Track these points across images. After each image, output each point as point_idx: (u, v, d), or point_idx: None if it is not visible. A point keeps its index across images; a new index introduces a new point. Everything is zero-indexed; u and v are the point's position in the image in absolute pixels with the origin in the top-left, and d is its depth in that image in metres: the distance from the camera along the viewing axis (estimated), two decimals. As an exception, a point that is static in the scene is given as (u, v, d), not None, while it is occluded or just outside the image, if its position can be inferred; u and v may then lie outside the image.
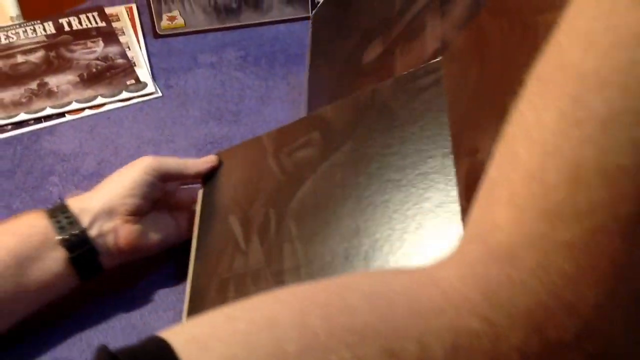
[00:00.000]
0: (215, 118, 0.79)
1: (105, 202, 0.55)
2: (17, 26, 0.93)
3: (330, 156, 0.52)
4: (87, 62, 0.87)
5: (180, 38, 0.91)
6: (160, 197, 0.59)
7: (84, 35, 0.92)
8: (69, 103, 0.81)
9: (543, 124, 0.27)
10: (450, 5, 0.52)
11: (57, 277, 0.54)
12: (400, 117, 0.49)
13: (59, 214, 0.55)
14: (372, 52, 0.61)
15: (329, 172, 0.51)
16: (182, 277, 0.58)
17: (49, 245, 0.53)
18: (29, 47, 0.90)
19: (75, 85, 0.83)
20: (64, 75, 0.85)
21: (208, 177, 0.61)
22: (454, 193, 0.43)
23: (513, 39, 0.42)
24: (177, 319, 0.57)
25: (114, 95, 0.82)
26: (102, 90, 0.83)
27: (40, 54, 0.88)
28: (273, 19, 0.91)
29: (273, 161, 0.56)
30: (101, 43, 0.90)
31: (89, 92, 0.82)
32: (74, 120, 0.79)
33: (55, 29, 0.92)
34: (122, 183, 0.56)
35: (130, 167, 0.58)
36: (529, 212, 0.27)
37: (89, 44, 0.90)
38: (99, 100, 0.81)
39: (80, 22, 0.94)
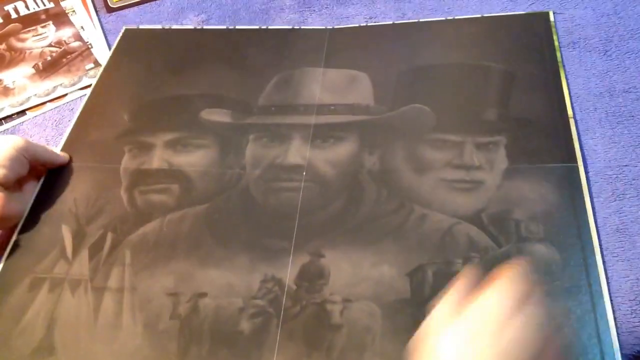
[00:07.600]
0: (184, 93, 0.73)
1: None
2: (-39, 20, 0.87)
3: (184, 208, 0.58)
4: (41, 49, 0.81)
5: (135, 9, 0.85)
6: (25, 174, 0.61)
7: (33, 20, 0.86)
8: (28, 99, 0.76)
9: None
10: None
11: None
12: (258, 205, 0.58)
13: None
14: None
15: (179, 220, 0.57)
16: None
17: None
18: (-24, 42, 0.84)
19: (31, 77, 0.78)
20: (19, 69, 0.79)
21: (51, 172, 0.64)
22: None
23: None
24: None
25: (74, 84, 0.76)
26: (61, 79, 0.77)
27: (-11, 48, 0.83)
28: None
29: (125, 194, 0.60)
30: (52, 27, 0.84)
31: (47, 84, 0.77)
32: (36, 116, 0.74)
33: (2, 17, 0.86)
34: None
35: (1, 140, 0.59)
36: None
37: (40, 29, 0.84)
38: (60, 91, 0.76)
39: (27, 6, 0.88)
